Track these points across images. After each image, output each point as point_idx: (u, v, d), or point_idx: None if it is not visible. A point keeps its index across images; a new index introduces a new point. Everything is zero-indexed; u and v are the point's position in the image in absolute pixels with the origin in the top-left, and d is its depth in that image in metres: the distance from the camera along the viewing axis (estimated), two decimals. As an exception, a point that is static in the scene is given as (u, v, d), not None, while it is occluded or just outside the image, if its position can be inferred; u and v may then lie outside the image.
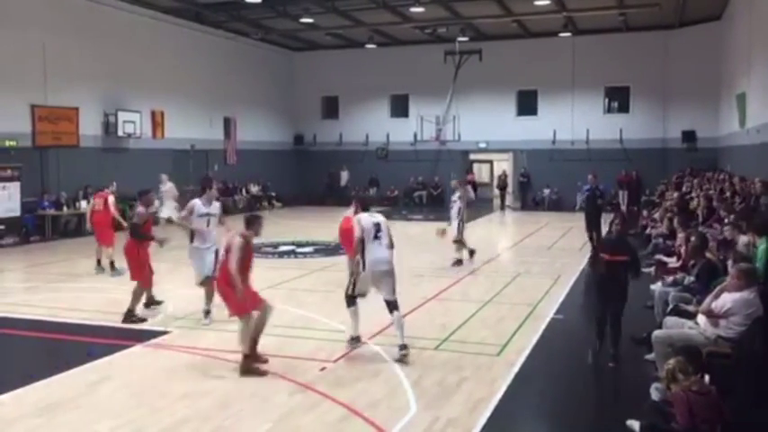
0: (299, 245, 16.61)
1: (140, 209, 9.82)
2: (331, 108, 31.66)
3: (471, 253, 13.85)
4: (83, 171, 19.55)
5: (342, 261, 14.43)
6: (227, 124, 26.79)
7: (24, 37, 17.79)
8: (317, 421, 5.75)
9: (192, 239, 8.97)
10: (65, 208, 18.90)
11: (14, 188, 17.56)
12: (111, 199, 13.40)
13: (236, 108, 26.89)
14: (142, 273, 9.43)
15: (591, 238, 14.56)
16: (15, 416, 5.86)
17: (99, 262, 13.14)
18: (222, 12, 23.27)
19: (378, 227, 7.73)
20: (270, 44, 28.88)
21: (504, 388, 6.54)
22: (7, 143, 17.66)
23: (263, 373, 6.87)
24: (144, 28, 22.10)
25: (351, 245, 9.53)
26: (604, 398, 6.90)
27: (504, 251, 17.14)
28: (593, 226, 14.58)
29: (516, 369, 7.10)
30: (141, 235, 9.59)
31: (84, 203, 19.08)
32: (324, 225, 21.83)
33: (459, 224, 13.61)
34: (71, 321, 9.08)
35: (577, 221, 13.38)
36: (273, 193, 28.80)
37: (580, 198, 14.81)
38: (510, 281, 12.10)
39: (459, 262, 13.60)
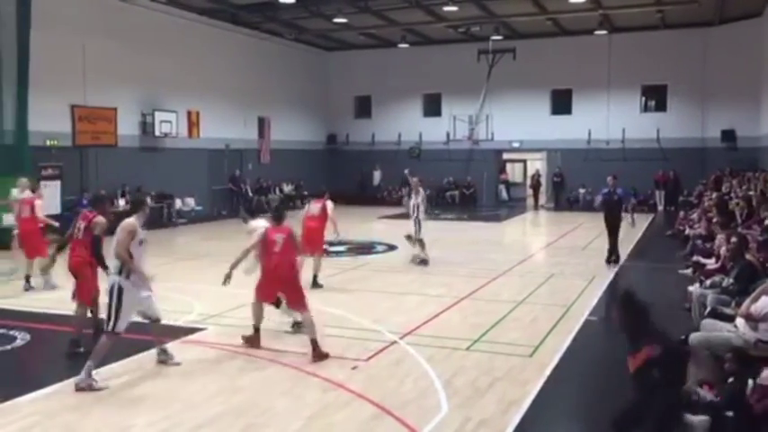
0: (332, 243, 16.66)
1: (99, 218, 8.08)
2: (364, 107, 31.74)
3: (424, 262, 13.67)
4: (120, 170, 19.94)
5: (372, 260, 14.49)
6: (262, 124, 27.04)
7: (65, 39, 18.19)
8: (348, 419, 5.78)
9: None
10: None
11: (55, 187, 18.00)
12: (39, 203, 11.56)
13: (270, 108, 27.13)
14: (90, 293, 8.10)
15: (612, 249, 13.57)
16: (56, 409, 6.01)
17: (28, 278, 11.21)
18: (257, 12, 23.49)
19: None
20: (303, 44, 29.08)
21: (536, 390, 6.48)
22: (48, 143, 18.08)
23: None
24: (180, 29, 22.43)
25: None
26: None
27: (538, 251, 16.99)
28: (609, 233, 13.54)
29: (549, 371, 7.03)
30: (99, 254, 7.87)
31: (122, 202, 19.48)
32: (356, 225, 21.91)
33: (420, 223, 13.63)
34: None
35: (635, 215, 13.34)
36: (306, 192, 28.95)
37: (598, 201, 13.77)
38: (543, 281, 11.99)
39: (424, 262, 13.57)
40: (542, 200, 28.94)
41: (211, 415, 5.86)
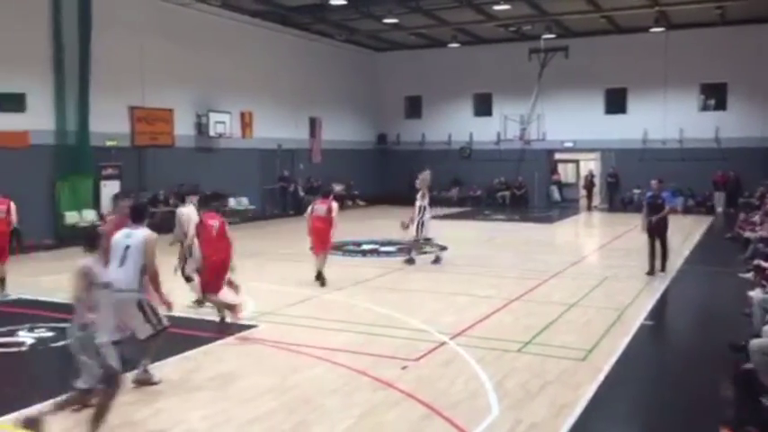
0: (382, 243, 16.74)
1: (112, 216, 7.92)
2: (414, 108, 31.72)
3: (411, 261, 13.80)
4: (177, 170, 20.42)
5: (421, 260, 14.47)
6: (313, 124, 27.32)
7: (124, 42, 18.73)
8: (398, 419, 5.80)
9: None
10: (161, 206, 19.75)
11: (114, 186, 18.56)
12: (13, 206, 11.04)
13: (321, 108, 27.39)
14: None
15: (651, 255, 12.45)
16: (114, 401, 6.19)
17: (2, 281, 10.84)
18: (307, 14, 23.74)
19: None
20: (354, 45, 29.25)
21: (589, 394, 6.37)
22: (108, 143, 18.66)
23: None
24: (234, 32, 22.84)
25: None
26: (696, 407, 6.59)
27: (591, 253, 16.69)
28: (653, 240, 12.43)
29: (603, 375, 6.90)
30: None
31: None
32: (406, 224, 21.95)
33: (423, 225, 13.71)
34: (165, 313, 9.47)
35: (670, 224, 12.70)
36: (357, 192, 29.15)
37: (644, 210, 12.77)
38: (597, 284, 11.77)
39: (411, 261, 13.73)
40: (596, 201, 28.41)
41: (263, 411, 5.95)
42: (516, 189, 29.16)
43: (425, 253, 14.25)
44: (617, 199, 27.58)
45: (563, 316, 9.46)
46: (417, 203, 13.81)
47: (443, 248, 15.19)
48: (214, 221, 8.77)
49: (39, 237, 16.68)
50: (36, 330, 8.68)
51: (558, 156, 30.36)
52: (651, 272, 12.38)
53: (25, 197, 16.24)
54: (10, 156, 15.88)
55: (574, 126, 27.77)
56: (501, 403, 6.10)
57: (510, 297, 10.57)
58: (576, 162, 31.40)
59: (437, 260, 13.90)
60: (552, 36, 26.59)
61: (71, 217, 17.38)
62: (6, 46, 16.04)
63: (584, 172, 30.08)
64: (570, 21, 25.40)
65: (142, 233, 6.40)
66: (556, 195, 29.80)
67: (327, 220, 11.50)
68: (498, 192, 29.40)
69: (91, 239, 5.66)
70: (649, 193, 12.88)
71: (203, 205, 9.27)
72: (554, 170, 30.44)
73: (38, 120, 16.63)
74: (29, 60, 16.65)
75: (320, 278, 11.49)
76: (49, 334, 8.54)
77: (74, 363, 5.35)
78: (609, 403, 6.34)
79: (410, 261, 13.79)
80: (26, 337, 8.42)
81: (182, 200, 10.81)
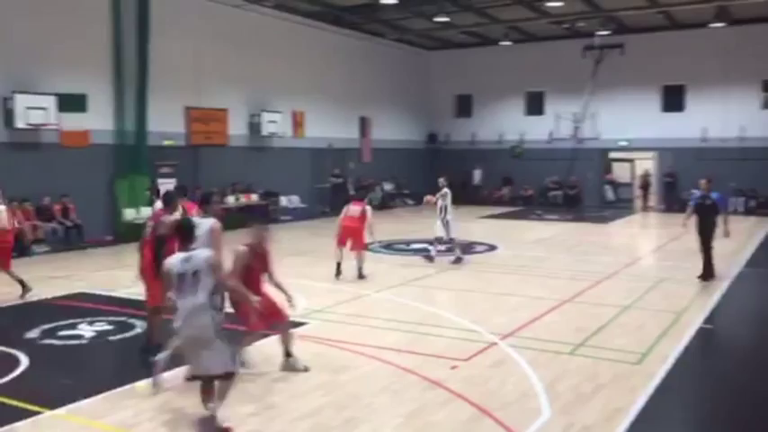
0: (432, 243, 16.67)
1: (166, 217, 7.50)
2: (464, 106, 31.53)
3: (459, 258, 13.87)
4: (230, 169, 20.81)
5: (471, 260, 14.38)
6: (363, 123, 27.45)
7: (180, 44, 19.17)
8: (447, 419, 5.78)
9: None
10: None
11: (170, 184, 19.01)
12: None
13: (371, 107, 27.49)
14: (155, 298, 7.23)
15: (706, 263, 11.86)
16: (170, 394, 6.36)
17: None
18: (359, 14, 23.86)
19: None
20: (404, 44, 29.25)
21: (643, 398, 6.22)
22: (165, 142, 19.14)
23: None
24: (286, 32, 23.12)
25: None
26: (755, 417, 6.34)
27: (647, 255, 16.31)
28: (702, 243, 11.85)
29: (658, 380, 6.73)
30: (160, 256, 6.84)
31: (231, 199, 20.35)
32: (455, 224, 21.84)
33: (449, 224, 13.74)
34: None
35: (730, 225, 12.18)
36: (407, 191, 29.15)
37: (688, 210, 12.18)
38: (652, 286, 11.49)
39: (459, 260, 13.82)
40: (652, 201, 27.71)
41: (313, 407, 6.02)
42: (569, 188, 28.68)
43: (449, 252, 14.12)
44: (673, 199, 26.83)
45: (616, 318, 9.27)
46: (439, 203, 13.87)
47: (493, 248, 15.06)
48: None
49: (99, 233, 17.25)
50: (95, 324, 8.98)
51: (612, 155, 29.74)
52: (704, 277, 11.80)
53: (86, 195, 16.90)
54: (72, 154, 16.46)
55: (629, 124, 27.15)
56: (552, 406, 6.02)
57: (562, 298, 10.42)
58: (632, 161, 30.67)
59: (458, 260, 13.78)
60: (607, 33, 26.06)
61: (129, 214, 17.89)
62: (70, 49, 16.61)
63: (639, 171, 29.38)
64: (626, 17, 24.85)
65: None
66: (610, 195, 29.19)
67: (360, 220, 12.06)
68: (550, 191, 28.98)
69: (188, 232, 5.70)
70: (697, 194, 12.10)
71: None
72: (608, 169, 29.83)
73: (98, 120, 17.15)
74: (90, 63, 17.21)
75: (361, 275, 11.98)
76: (108, 327, 8.83)
77: (192, 350, 5.41)
78: (663, 409, 6.18)
79: (459, 260, 13.76)
80: (86, 330, 8.72)
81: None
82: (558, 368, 7.08)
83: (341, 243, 12.20)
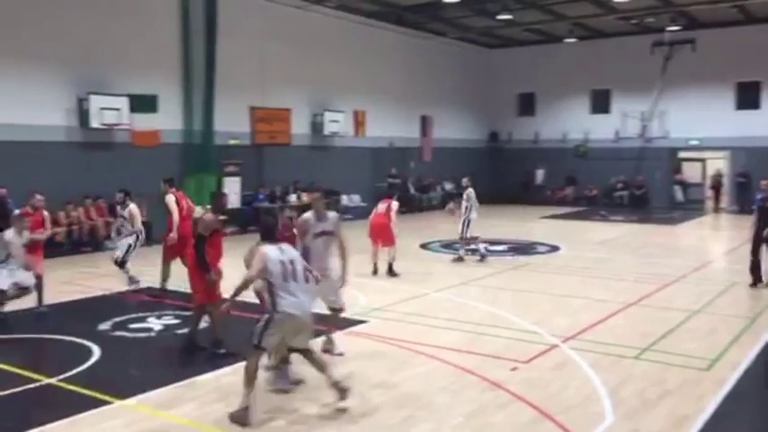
0: (492, 243, 16.53)
1: (209, 215, 7.74)
2: (527, 105, 31.08)
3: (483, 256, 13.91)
4: (293, 167, 21.12)
5: (533, 261, 14.18)
6: (424, 122, 27.40)
7: (246, 45, 19.58)
8: (507, 420, 5.72)
9: None
10: (278, 201, 20.52)
11: (236, 183, 19.49)
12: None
13: (432, 106, 27.42)
14: (214, 291, 7.53)
15: (754, 268, 11.17)
16: (234, 387, 6.49)
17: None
18: (421, 13, 23.82)
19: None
20: (466, 42, 29.03)
21: (712, 406, 6.01)
22: (231, 142, 19.59)
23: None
24: (348, 32, 23.30)
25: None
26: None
27: (718, 257, 15.73)
28: (757, 248, 11.12)
29: (728, 387, 6.48)
30: (202, 254, 7.35)
31: (293, 197, 20.64)
32: (517, 224, 21.60)
33: (468, 223, 13.77)
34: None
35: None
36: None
37: (755, 216, 11.24)
38: (723, 290, 11.07)
39: (483, 257, 13.85)
40: (724, 202, 26.67)
41: (373, 405, 6.05)
42: (636, 189, 27.91)
43: (474, 251, 14.12)
44: (747, 200, 25.74)
45: (685, 323, 8.97)
46: (464, 204, 13.92)
47: (555, 249, 14.80)
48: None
49: (167, 230, 17.75)
50: (163, 317, 9.27)
51: (682, 154, 28.77)
52: (754, 283, 11.16)
53: (156, 193, 17.43)
54: (143, 154, 17.01)
55: (700, 123, 26.19)
56: (616, 411, 5.87)
57: (627, 301, 10.15)
58: (703, 161, 29.61)
59: (483, 258, 13.81)
60: (677, 28, 25.22)
61: (196, 211, 18.35)
62: (142, 52, 17.18)
63: (710, 171, 28.34)
64: (697, 11, 23.99)
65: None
66: (679, 196, 28.25)
67: (386, 216, 12.38)
68: (616, 191, 28.26)
69: (270, 231, 6.15)
70: (760, 196, 11.24)
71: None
72: (678, 169, 28.88)
73: (168, 120, 17.68)
74: (161, 64, 17.76)
75: (391, 271, 12.25)
76: (175, 321, 9.10)
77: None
78: (733, 417, 5.95)
79: (482, 258, 13.83)
80: (155, 323, 9.01)
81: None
82: (623, 372, 6.91)
83: (374, 242, 12.48)
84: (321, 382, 6.21)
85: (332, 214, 7.55)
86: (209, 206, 10.07)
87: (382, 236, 12.39)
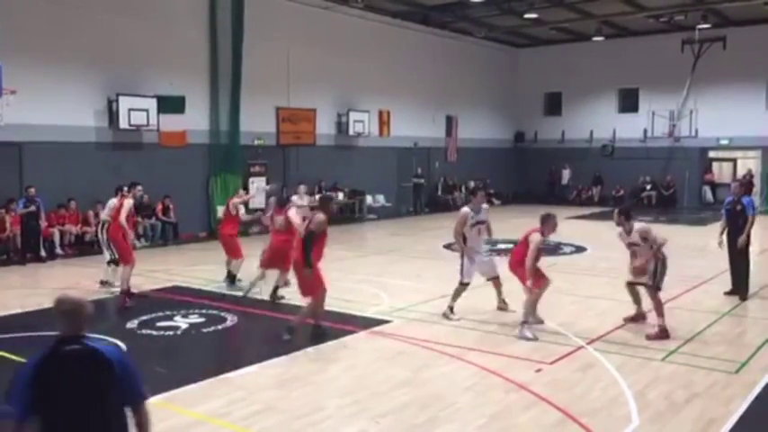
0: (516, 244, 16.41)
1: (320, 215, 8.05)
2: (553, 104, 30.84)
3: None
4: (318, 167, 21.22)
5: (559, 261, 14.05)
6: (449, 122, 27.32)
7: (272, 46, 19.71)
8: (532, 422, 5.68)
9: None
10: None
11: (261, 182, 19.63)
12: (129, 202, 10.54)
13: (457, 106, 27.33)
14: (320, 285, 8.15)
15: (735, 286, 10.45)
16: (259, 385, 6.58)
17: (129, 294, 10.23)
18: (448, 12, 23.76)
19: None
20: (493, 42, 28.89)
21: (742, 410, 5.91)
22: (256, 142, 19.74)
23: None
24: (374, 32, 23.33)
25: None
26: None
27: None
28: (731, 256, 10.57)
29: (758, 390, 6.38)
30: (309, 250, 7.89)
31: (317, 197, 20.72)
32: (543, 224, 21.37)
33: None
34: (304, 304, 9.86)
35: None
36: (492, 191, 28.80)
37: (722, 219, 10.79)
38: (753, 293, 10.83)
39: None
40: (756, 202, 26.17)
41: (397, 404, 6.06)
42: (664, 189, 27.53)
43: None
44: (779, 201, 25.27)
45: (713, 325, 8.84)
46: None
47: (581, 249, 14.62)
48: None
49: (195, 229, 18.00)
50: (189, 316, 9.37)
51: (712, 154, 28.32)
52: (732, 292, 10.46)
53: (183, 192, 17.66)
54: (171, 154, 17.24)
55: (731, 122, 25.75)
56: (642, 414, 5.81)
57: (654, 303, 10.00)
58: (734, 161, 29.11)
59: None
60: (708, 26, 24.83)
61: (222, 211, 18.54)
62: (170, 53, 17.41)
63: (741, 171, 27.83)
64: (729, 9, 23.59)
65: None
66: (709, 196, 27.80)
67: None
68: (643, 191, 27.91)
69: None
70: (729, 198, 10.66)
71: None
72: (707, 169, 28.42)
73: (195, 120, 17.89)
74: (189, 66, 17.98)
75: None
76: (201, 320, 9.19)
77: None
78: (763, 421, 5.85)
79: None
80: (181, 321, 9.12)
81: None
82: (650, 375, 6.83)
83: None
84: (349, 380, 6.21)
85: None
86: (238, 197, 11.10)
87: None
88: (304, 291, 8.18)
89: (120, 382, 3.06)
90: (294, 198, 13.69)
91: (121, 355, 3.14)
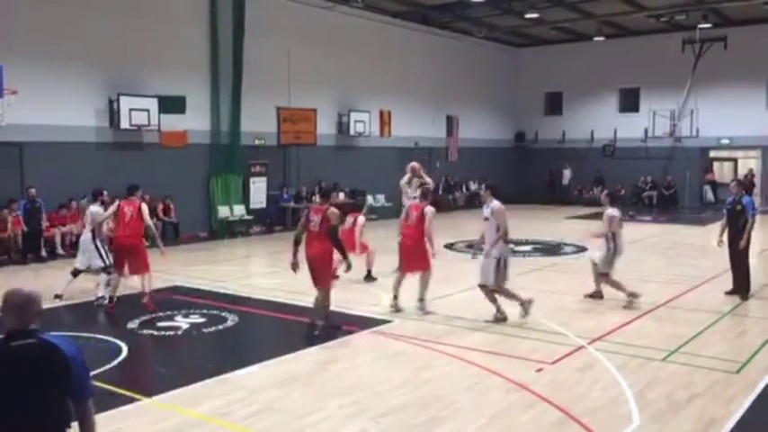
0: (518, 243, 16.43)
1: (333, 209, 8.37)
2: (554, 104, 30.83)
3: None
4: (318, 167, 21.21)
5: (559, 261, 14.04)
6: (450, 122, 27.31)
7: (272, 46, 19.70)
8: (532, 422, 5.68)
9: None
10: (304, 201, 20.62)
11: (262, 182, 19.65)
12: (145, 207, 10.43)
13: (458, 106, 27.32)
14: (329, 280, 8.68)
15: (736, 286, 10.39)
16: (259, 385, 6.57)
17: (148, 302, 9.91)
18: (448, 12, 23.76)
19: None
20: (493, 42, 28.88)
21: (742, 410, 5.90)
22: (257, 142, 19.74)
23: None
24: (374, 32, 23.33)
25: None
26: None
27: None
28: (731, 256, 10.47)
29: (759, 390, 6.37)
30: (338, 241, 8.39)
31: (317, 197, 20.72)
32: (543, 224, 21.42)
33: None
34: (304, 305, 9.80)
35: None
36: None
37: (722, 219, 10.77)
38: (754, 292, 10.83)
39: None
40: (756, 202, 26.16)
41: (396, 404, 6.05)
42: (665, 189, 27.53)
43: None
44: (781, 200, 25.25)
45: (714, 325, 8.83)
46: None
47: (582, 249, 14.63)
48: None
49: (195, 229, 18.00)
50: (190, 316, 9.37)
51: (713, 153, 28.31)
52: (732, 291, 10.42)
53: (183, 193, 17.66)
54: (172, 154, 17.24)
55: (731, 121, 25.74)
56: (642, 413, 5.80)
57: (655, 302, 10.02)
58: (734, 160, 29.11)
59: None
60: (709, 26, 24.82)
61: (222, 211, 18.59)
62: (171, 53, 17.41)
63: (742, 171, 27.82)
64: (729, 9, 23.58)
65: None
66: (709, 196, 27.80)
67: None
68: (644, 191, 27.90)
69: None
70: (730, 198, 10.60)
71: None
72: (708, 169, 28.42)
73: (195, 120, 17.88)
74: (189, 66, 17.97)
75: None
76: (202, 320, 9.19)
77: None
78: (764, 421, 5.85)
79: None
80: (182, 321, 9.12)
81: None
82: (650, 375, 6.83)
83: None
84: (349, 380, 6.21)
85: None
86: None
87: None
88: (319, 281, 8.38)
89: (75, 379, 3.01)
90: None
91: (77, 352, 3.06)
